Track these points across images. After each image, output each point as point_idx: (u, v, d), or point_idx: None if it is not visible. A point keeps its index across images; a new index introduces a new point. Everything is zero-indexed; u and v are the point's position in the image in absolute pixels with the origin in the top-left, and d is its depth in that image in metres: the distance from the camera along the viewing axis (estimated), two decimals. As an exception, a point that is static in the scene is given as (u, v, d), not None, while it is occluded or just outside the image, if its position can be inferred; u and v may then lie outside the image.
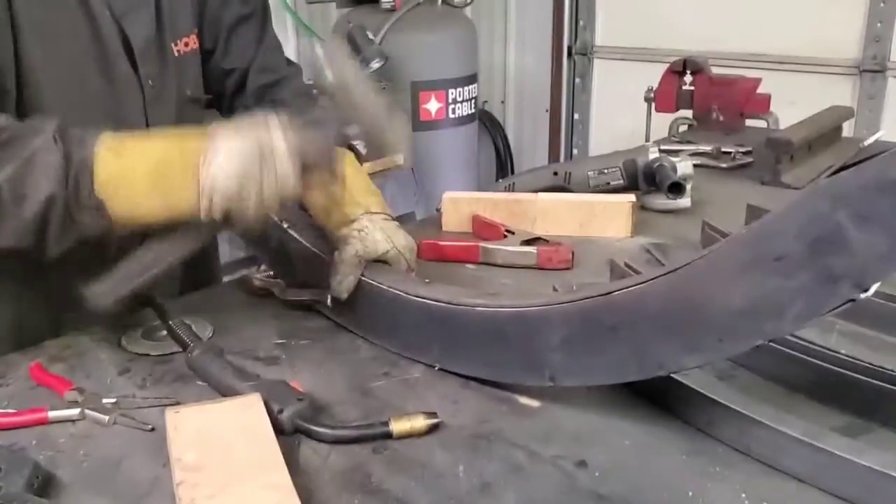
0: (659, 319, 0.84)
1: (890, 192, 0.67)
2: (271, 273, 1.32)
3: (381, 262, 1.17)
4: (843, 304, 0.72)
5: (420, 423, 0.91)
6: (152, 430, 0.93)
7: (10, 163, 0.95)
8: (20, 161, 0.95)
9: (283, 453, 0.83)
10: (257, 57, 1.47)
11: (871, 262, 0.70)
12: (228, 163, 0.95)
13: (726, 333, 0.80)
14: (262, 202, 0.97)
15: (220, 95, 1.50)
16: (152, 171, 0.97)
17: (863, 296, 0.71)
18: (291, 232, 1.25)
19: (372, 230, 1.16)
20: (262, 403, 0.91)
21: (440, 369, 1.06)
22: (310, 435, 0.91)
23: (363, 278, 1.14)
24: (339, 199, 1.13)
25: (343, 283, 1.14)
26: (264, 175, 0.96)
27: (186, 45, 1.35)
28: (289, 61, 1.56)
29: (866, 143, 0.79)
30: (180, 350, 1.09)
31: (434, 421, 0.91)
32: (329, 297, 1.18)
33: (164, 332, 1.16)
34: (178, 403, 0.98)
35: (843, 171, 0.71)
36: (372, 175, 3.32)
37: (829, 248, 0.71)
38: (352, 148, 1.36)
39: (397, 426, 0.90)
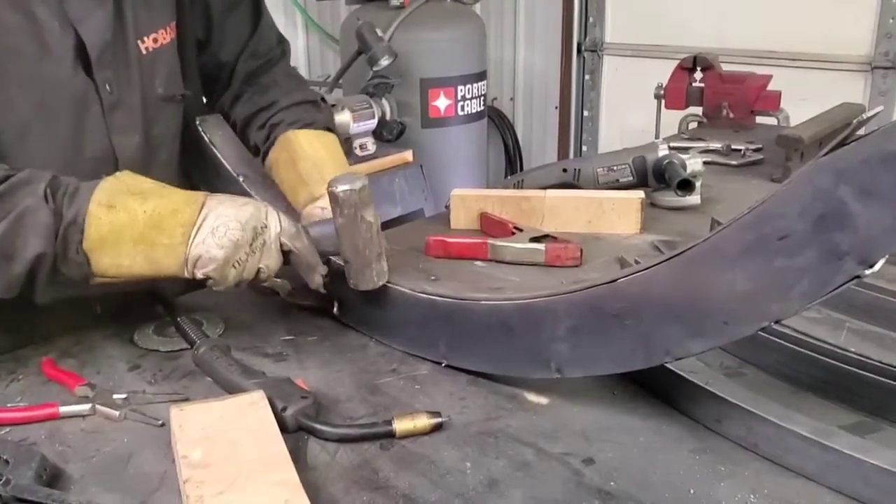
0: (664, 305, 0.84)
1: (892, 164, 0.67)
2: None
3: None
4: (849, 280, 0.72)
5: (423, 422, 0.91)
6: (162, 425, 0.93)
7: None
8: (10, 221, 0.97)
9: (291, 450, 0.84)
10: (249, 44, 1.43)
11: (876, 236, 0.69)
12: (218, 243, 1.01)
13: (731, 316, 0.80)
14: (240, 279, 1.05)
15: (212, 83, 1.47)
16: (140, 236, 1.00)
17: (868, 272, 0.70)
18: None
19: None
20: (266, 401, 0.91)
21: (447, 366, 1.06)
22: (313, 433, 0.91)
23: None
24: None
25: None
26: (249, 260, 1.04)
27: (156, 40, 1.26)
28: (279, 39, 1.51)
29: (864, 116, 0.78)
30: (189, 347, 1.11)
31: (437, 420, 0.92)
32: (336, 304, 1.19)
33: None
34: (187, 399, 0.99)
35: (843, 147, 0.70)
36: (380, 172, 3.33)
37: (833, 225, 0.71)
38: (331, 129, 1.38)
39: (400, 425, 0.90)
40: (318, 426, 0.91)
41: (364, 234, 1.07)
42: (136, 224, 1.00)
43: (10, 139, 1.10)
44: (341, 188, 1.04)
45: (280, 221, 1.06)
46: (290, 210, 1.29)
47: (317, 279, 1.10)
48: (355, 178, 1.06)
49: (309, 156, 1.28)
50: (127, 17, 1.20)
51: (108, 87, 1.19)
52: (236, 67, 1.44)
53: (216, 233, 1.01)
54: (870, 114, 0.82)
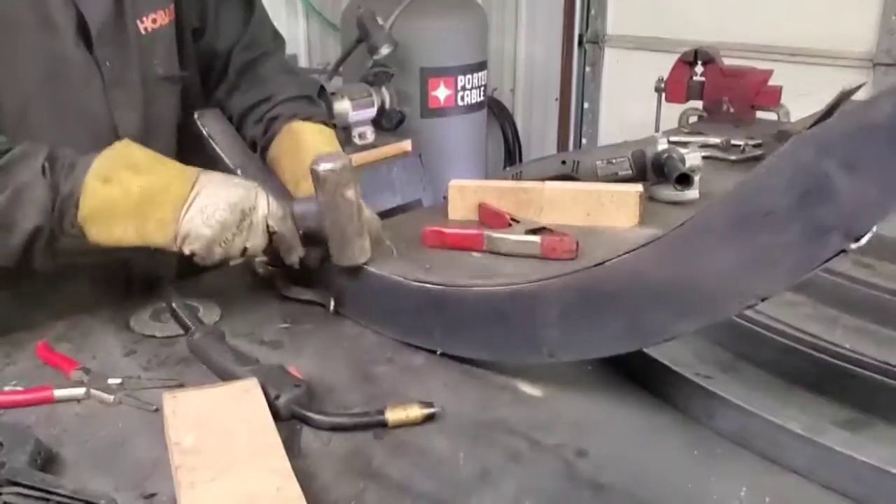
0: (652, 286, 0.84)
1: (874, 137, 0.67)
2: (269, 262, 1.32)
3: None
4: (835, 255, 0.71)
5: (416, 412, 0.91)
6: (156, 410, 0.93)
7: None
8: (8, 195, 1.01)
9: (285, 438, 0.84)
10: (244, 35, 1.44)
11: (861, 210, 0.69)
12: (206, 222, 1.04)
13: (720, 295, 0.79)
14: (225, 255, 1.08)
15: (208, 73, 1.47)
16: (133, 210, 1.03)
17: (854, 246, 0.70)
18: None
19: None
20: (259, 388, 0.91)
21: (442, 354, 1.06)
22: (306, 421, 0.91)
23: (364, 266, 1.15)
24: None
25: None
26: (235, 240, 1.07)
27: (155, 21, 1.27)
28: (274, 34, 1.52)
29: (848, 87, 0.78)
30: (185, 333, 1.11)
31: (430, 411, 0.92)
32: (332, 301, 1.19)
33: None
34: (182, 385, 0.99)
35: (826, 120, 0.70)
36: (379, 161, 3.32)
37: (818, 200, 0.70)
38: (327, 123, 1.39)
39: (393, 415, 0.90)
40: (311, 415, 0.92)
41: (345, 211, 1.10)
42: (130, 197, 1.03)
43: (15, 111, 1.12)
44: (323, 167, 1.07)
45: (269, 204, 1.09)
46: (286, 196, 1.30)
47: (293, 258, 1.15)
48: (337, 157, 1.10)
49: (312, 148, 1.29)
50: None
51: (107, 63, 1.21)
52: (231, 58, 1.44)
53: (205, 211, 1.04)
54: (854, 86, 0.81)
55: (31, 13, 1.12)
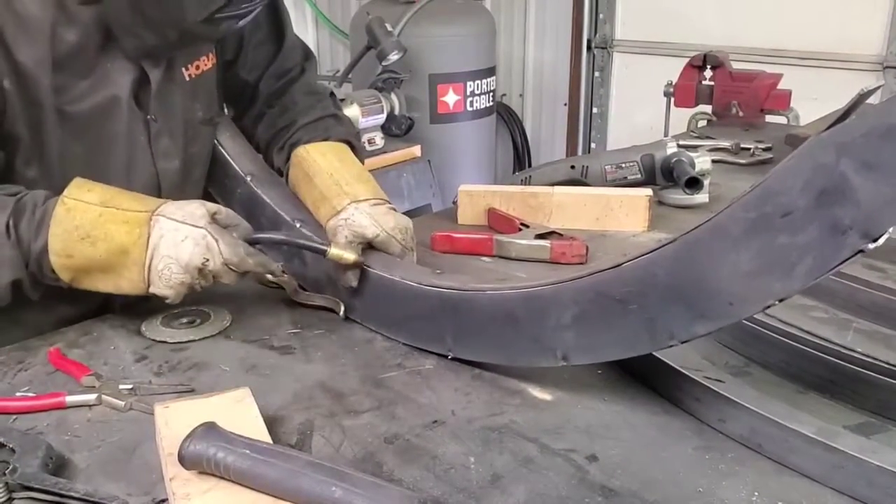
0: (668, 288, 0.84)
1: (893, 137, 0.67)
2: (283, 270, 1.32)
3: (372, 247, 1.19)
4: (853, 255, 0.71)
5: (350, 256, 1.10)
6: (167, 416, 0.94)
7: None
8: None
9: (295, 442, 0.84)
10: (273, 65, 1.43)
11: (879, 210, 0.69)
12: (167, 285, 1.07)
13: (736, 297, 0.79)
14: (204, 288, 1.11)
15: (235, 101, 1.47)
16: (106, 268, 1.07)
17: (871, 246, 0.69)
18: (305, 232, 1.25)
19: (358, 217, 1.18)
20: (252, 397, 0.91)
21: (453, 358, 1.06)
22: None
23: (373, 271, 1.15)
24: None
25: (346, 274, 1.16)
26: (203, 282, 1.10)
27: (198, 67, 1.29)
28: (306, 54, 1.49)
29: (865, 89, 0.78)
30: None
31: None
32: (342, 308, 1.19)
33: (184, 320, 1.18)
34: (192, 391, 0.99)
35: (845, 121, 0.70)
36: (389, 167, 3.32)
37: (836, 200, 0.70)
38: (350, 141, 1.39)
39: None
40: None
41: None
42: (97, 262, 1.06)
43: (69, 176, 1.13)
44: None
45: (221, 251, 1.07)
46: (307, 217, 1.29)
47: (272, 276, 1.19)
48: None
49: (324, 169, 1.27)
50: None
51: (152, 116, 1.22)
52: (259, 87, 1.43)
53: (163, 276, 1.06)
54: (871, 87, 0.81)
55: (100, 77, 1.14)
